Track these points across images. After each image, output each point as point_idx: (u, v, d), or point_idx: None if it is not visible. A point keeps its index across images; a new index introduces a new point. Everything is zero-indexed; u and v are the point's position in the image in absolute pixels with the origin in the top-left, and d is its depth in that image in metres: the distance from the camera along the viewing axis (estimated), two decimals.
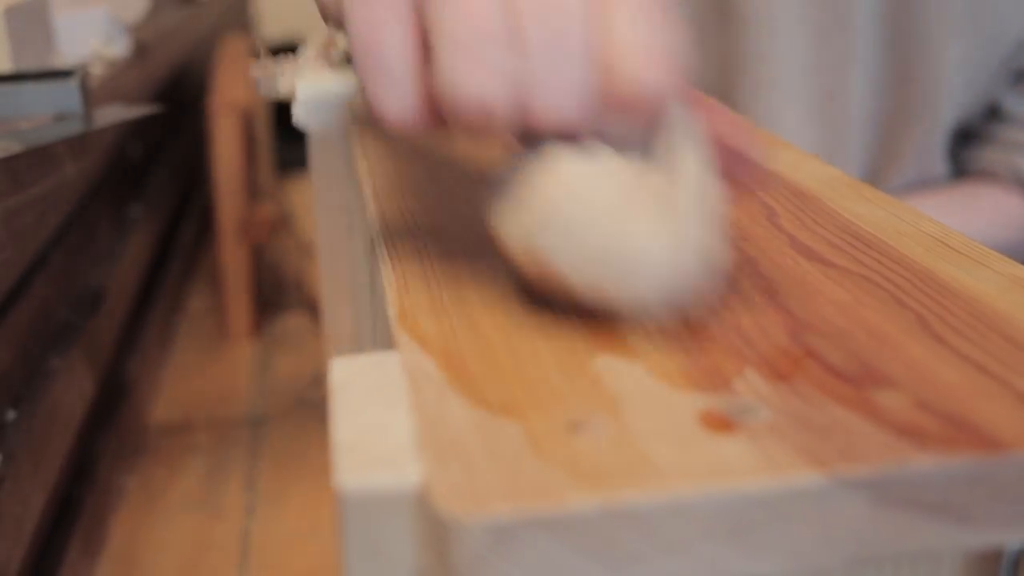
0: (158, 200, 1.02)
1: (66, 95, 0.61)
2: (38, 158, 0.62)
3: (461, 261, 0.34)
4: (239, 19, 1.85)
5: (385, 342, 0.32)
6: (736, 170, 0.31)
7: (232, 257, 0.95)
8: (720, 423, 0.23)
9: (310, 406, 0.85)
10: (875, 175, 0.73)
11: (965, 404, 0.23)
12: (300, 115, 0.30)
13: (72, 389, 0.64)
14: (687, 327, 0.29)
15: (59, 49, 0.76)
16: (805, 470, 0.21)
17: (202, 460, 0.78)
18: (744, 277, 0.32)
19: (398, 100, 0.28)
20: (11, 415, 0.54)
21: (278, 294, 1.08)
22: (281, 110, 1.49)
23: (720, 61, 0.71)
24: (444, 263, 0.34)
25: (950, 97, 0.70)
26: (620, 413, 0.24)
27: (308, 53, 0.33)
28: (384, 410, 0.24)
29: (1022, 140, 0.70)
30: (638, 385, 0.25)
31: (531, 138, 0.29)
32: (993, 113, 0.72)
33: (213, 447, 0.80)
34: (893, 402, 0.24)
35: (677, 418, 0.23)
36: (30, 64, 0.67)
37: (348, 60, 0.31)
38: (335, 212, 0.63)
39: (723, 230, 0.28)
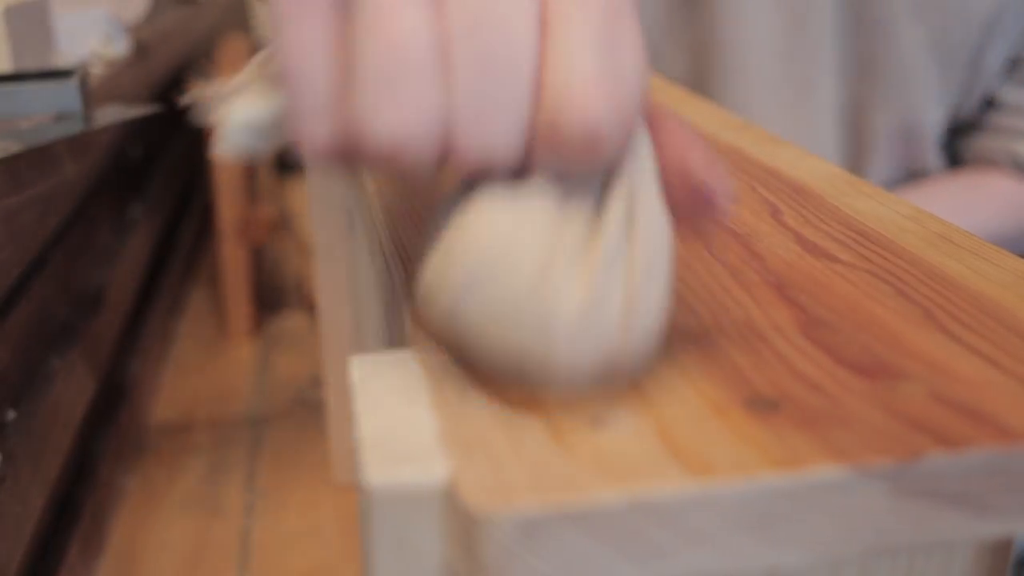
0: (158, 200, 1.02)
1: (66, 95, 0.61)
2: (38, 158, 0.62)
3: None
4: (239, 19, 1.84)
5: (398, 340, 0.32)
6: (693, 207, 0.26)
7: (232, 257, 0.95)
8: (741, 417, 0.23)
9: (310, 406, 0.85)
10: (852, 165, 0.72)
11: (978, 396, 0.24)
12: (225, 142, 0.26)
13: (72, 389, 0.64)
14: (701, 325, 0.29)
15: (59, 49, 0.76)
16: (827, 462, 0.21)
17: (202, 460, 0.78)
18: (752, 273, 0.33)
19: (314, 130, 0.24)
20: (11, 415, 0.54)
21: (278, 294, 1.08)
22: None
23: (692, 49, 0.70)
24: None
25: (919, 84, 0.69)
26: (641, 408, 0.24)
27: (248, 71, 0.28)
28: (406, 407, 0.24)
29: (1018, 126, 0.70)
30: (657, 381, 0.25)
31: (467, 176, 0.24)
32: (988, 104, 0.72)
33: (213, 447, 0.80)
34: (909, 395, 0.24)
35: (698, 412, 0.24)
36: (30, 64, 0.67)
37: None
38: (333, 212, 0.63)
39: (667, 282, 0.24)
